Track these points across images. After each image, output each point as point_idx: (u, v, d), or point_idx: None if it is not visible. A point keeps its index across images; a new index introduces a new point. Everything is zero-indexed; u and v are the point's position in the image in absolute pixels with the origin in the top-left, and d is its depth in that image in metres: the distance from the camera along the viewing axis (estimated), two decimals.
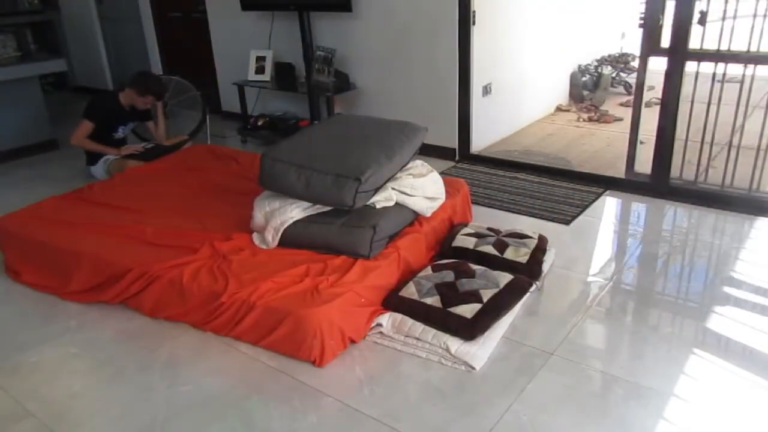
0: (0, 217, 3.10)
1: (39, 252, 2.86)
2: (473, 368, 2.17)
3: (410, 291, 2.44)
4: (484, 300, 2.35)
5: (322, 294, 2.29)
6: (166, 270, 2.50)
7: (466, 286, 2.42)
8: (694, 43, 3.29)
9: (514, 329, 2.39)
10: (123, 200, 3.22)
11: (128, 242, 2.75)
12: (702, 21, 3.22)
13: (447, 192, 3.02)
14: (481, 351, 2.22)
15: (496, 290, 2.41)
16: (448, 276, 2.49)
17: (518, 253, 2.70)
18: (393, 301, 2.43)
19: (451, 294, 2.38)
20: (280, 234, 2.63)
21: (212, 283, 2.42)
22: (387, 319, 2.35)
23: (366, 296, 2.39)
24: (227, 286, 2.38)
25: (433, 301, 2.36)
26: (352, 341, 2.31)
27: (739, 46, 3.24)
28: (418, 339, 2.28)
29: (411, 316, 2.34)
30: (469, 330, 2.25)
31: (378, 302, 2.45)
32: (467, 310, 2.29)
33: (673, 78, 3.38)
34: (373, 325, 2.36)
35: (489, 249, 2.73)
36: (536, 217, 3.39)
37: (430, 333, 2.28)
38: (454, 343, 2.23)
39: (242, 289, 2.35)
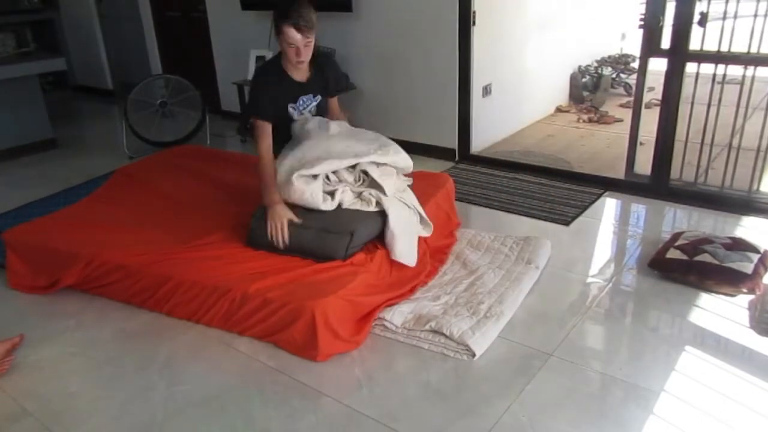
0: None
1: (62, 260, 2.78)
2: (474, 355, 2.20)
3: (676, 254, 2.68)
4: (754, 260, 2.57)
5: (325, 286, 2.30)
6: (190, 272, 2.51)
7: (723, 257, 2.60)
8: (694, 45, 3.28)
9: (514, 330, 2.39)
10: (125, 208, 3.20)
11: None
12: (702, 22, 3.22)
13: (427, 188, 3.01)
14: (482, 339, 2.25)
15: (758, 255, 2.63)
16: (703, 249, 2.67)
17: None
18: (662, 264, 2.69)
19: (721, 254, 2.60)
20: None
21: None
22: (392, 314, 2.37)
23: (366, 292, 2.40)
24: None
25: (703, 257, 2.60)
26: (355, 342, 2.31)
27: (739, 47, 3.24)
28: (422, 331, 2.32)
29: (682, 275, 2.61)
30: (750, 282, 2.50)
31: (374, 302, 2.43)
32: (743, 266, 2.53)
33: (673, 79, 3.37)
34: (379, 316, 2.38)
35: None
36: (536, 218, 3.38)
37: (438, 324, 2.31)
38: (458, 329, 2.27)
39: (248, 283, 2.37)
